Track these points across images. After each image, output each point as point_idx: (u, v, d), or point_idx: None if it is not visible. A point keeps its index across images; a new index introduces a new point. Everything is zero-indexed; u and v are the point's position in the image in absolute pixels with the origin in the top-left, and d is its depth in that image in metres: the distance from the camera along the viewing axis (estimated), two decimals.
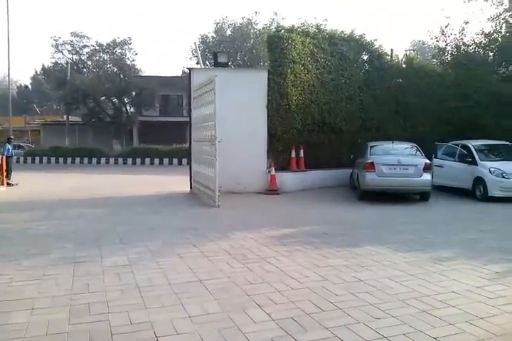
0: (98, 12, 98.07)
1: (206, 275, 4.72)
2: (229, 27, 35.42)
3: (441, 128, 13.91)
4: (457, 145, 12.17)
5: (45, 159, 29.95)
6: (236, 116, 11.52)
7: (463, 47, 15.30)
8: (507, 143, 12.01)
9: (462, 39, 15.34)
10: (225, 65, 13.27)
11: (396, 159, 10.67)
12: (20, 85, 64.18)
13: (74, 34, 36.54)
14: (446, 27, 15.39)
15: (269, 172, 12.27)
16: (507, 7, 16.71)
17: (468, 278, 4.65)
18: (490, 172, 10.76)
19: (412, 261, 5.34)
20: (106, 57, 36.87)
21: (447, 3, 40.12)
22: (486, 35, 15.13)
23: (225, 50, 31.00)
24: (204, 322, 3.50)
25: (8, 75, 33.60)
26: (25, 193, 12.78)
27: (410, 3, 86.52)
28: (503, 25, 15.84)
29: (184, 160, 25.71)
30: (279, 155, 12.77)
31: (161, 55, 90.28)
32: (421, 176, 10.46)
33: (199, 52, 25.48)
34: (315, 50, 13.34)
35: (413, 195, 11.39)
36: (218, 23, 35.31)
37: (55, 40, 36.63)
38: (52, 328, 3.39)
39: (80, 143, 33.86)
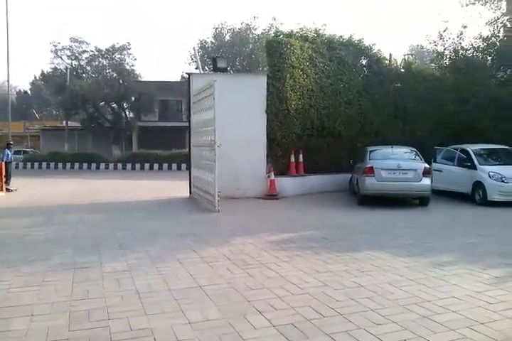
0: (97, 18, 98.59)
1: (206, 281, 4.71)
2: (228, 32, 35.50)
3: (440, 133, 13.92)
4: (456, 149, 12.19)
5: (44, 164, 29.95)
6: (235, 121, 11.53)
7: (461, 51, 15.34)
8: (506, 147, 12.03)
9: (460, 43, 15.41)
10: (224, 70, 13.30)
11: (395, 164, 10.68)
12: (20, 91, 64.35)
13: (73, 39, 36.73)
14: (444, 31, 15.46)
15: (269, 177, 12.27)
16: (505, 11, 16.82)
17: (469, 283, 4.65)
18: (489, 176, 10.77)
19: (412, 265, 5.33)
20: (105, 62, 36.95)
21: (445, 8, 40.34)
22: (484, 40, 15.19)
23: (224, 55, 31.05)
24: (204, 328, 3.49)
25: (8, 81, 33.50)
26: (25, 199, 12.77)
27: (410, 3, 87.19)
28: (501, 30, 15.90)
29: (183, 165, 25.72)
30: (278, 159, 12.78)
31: (160, 60, 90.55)
32: (420, 181, 10.46)
33: (198, 57, 25.61)
34: (314, 54, 13.39)
35: (412, 200, 11.39)
36: (217, 29, 35.41)
37: (54, 45, 36.83)
38: (52, 335, 3.37)
39: (79, 149, 33.86)
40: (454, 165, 12.10)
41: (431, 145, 13.06)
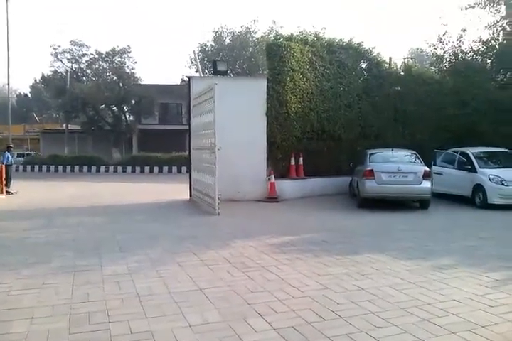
0: (97, 21, 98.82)
1: (206, 283, 4.70)
2: (228, 35, 35.60)
3: (440, 136, 13.93)
4: (456, 152, 12.20)
5: (44, 167, 29.97)
6: (235, 124, 11.54)
7: (461, 54, 15.39)
8: (506, 150, 12.04)
9: (460, 46, 15.47)
10: (224, 73, 13.33)
11: (395, 166, 10.68)
12: (20, 94, 64.51)
13: (73, 43, 36.82)
14: (444, 35, 15.52)
15: (269, 180, 12.27)
16: (504, 15, 16.86)
17: (469, 286, 4.64)
18: (489, 179, 10.77)
19: (412, 268, 5.32)
20: (105, 65, 37.05)
21: (444, 10, 40.43)
22: (484, 43, 15.24)
23: (224, 58, 31.12)
24: (205, 331, 3.48)
25: (8, 84, 33.59)
26: (25, 201, 12.77)
27: (410, 3, 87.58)
28: (501, 33, 15.96)
29: (183, 168, 25.75)
30: (278, 162, 12.79)
31: (161, 63, 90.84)
32: (420, 183, 10.47)
33: (198, 60, 25.60)
34: (314, 58, 13.42)
35: (413, 203, 11.39)
36: (217, 32, 35.50)
37: (54, 48, 36.91)
38: (52, 338, 3.37)
39: (79, 152, 33.90)
40: (454, 168, 12.10)
41: (431, 148, 13.07)
